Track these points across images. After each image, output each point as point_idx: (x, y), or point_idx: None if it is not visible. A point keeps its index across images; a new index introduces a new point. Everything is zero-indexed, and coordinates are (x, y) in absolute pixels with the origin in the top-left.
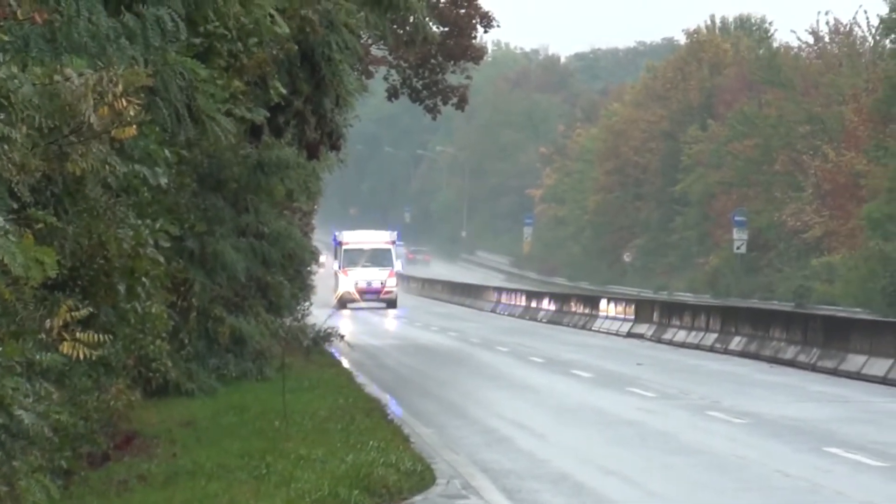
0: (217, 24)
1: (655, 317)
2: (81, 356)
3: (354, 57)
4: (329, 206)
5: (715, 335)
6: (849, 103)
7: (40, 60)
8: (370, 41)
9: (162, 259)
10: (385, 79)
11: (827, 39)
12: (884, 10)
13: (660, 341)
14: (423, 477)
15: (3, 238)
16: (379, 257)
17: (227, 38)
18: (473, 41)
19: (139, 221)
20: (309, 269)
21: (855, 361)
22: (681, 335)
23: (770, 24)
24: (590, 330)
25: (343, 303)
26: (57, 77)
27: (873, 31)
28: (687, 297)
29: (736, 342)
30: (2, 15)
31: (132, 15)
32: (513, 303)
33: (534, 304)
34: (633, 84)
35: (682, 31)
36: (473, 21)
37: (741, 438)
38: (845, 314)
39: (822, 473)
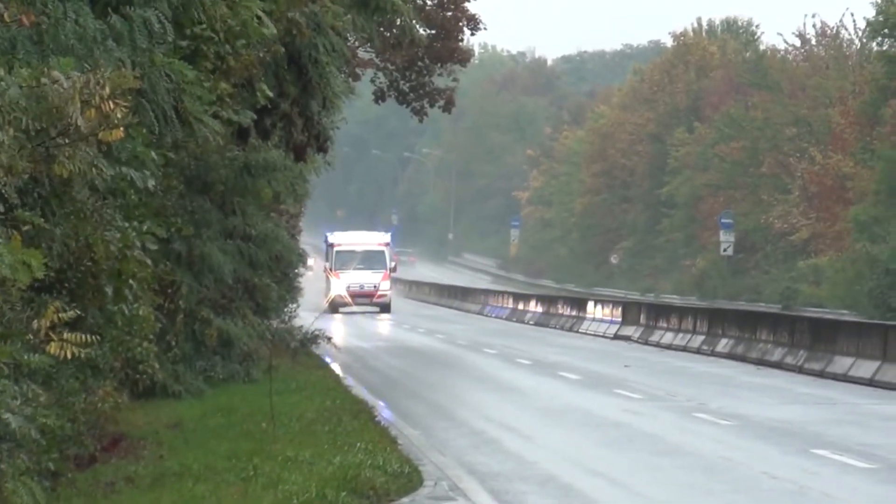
0: (204, 26)
1: (642, 319)
2: (69, 357)
3: (341, 59)
4: (316, 208)
5: (702, 337)
6: (835, 106)
7: (27, 62)
8: (357, 44)
9: (149, 261)
10: (372, 81)
11: (814, 42)
12: (870, 13)
13: (647, 343)
14: (411, 479)
15: None
16: (372, 259)
17: (214, 40)
18: (460, 44)
19: (126, 224)
20: (296, 271)
21: (842, 363)
22: (668, 337)
23: (757, 26)
24: (577, 332)
25: (334, 307)
26: (44, 79)
27: (860, 33)
28: (674, 300)
29: (723, 344)
30: None
31: (119, 17)
32: (500, 305)
33: (521, 307)
34: (619, 87)
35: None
36: (460, 24)
37: (728, 440)
38: (832, 316)
39: (809, 475)
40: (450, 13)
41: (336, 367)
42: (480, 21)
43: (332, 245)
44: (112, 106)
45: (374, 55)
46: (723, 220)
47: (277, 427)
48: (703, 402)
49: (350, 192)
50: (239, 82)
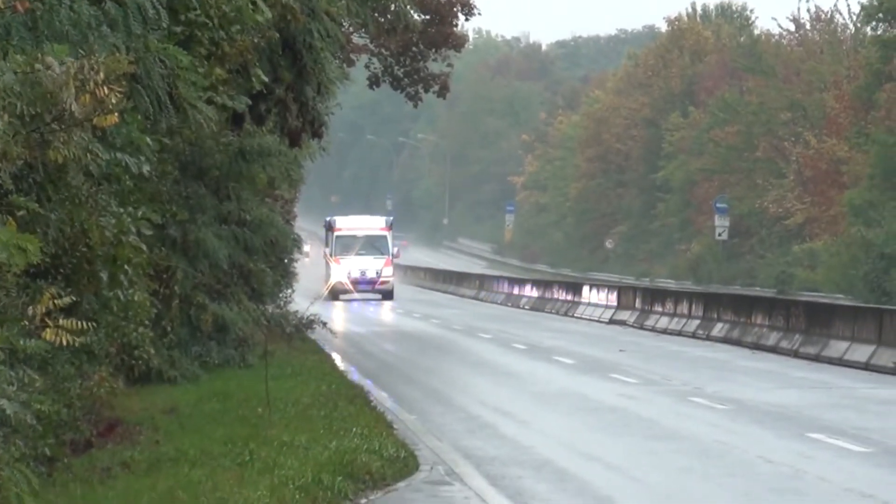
0: (198, 12)
1: (638, 303)
2: (64, 343)
3: (336, 45)
4: (311, 193)
5: (697, 321)
6: (830, 90)
7: (21, 49)
8: (352, 29)
9: (144, 247)
10: (366, 67)
11: (808, 27)
12: None
13: (642, 328)
14: (407, 463)
15: None
16: (374, 245)
17: (209, 26)
18: (455, 29)
19: (121, 209)
20: (291, 256)
21: (837, 347)
22: (663, 322)
23: (751, 11)
24: (572, 317)
25: (335, 294)
26: (38, 65)
27: (854, 18)
28: (669, 284)
29: (718, 328)
30: None
31: (113, 3)
32: (495, 290)
33: (516, 291)
34: (614, 71)
35: (664, 18)
36: (455, 9)
37: (724, 424)
38: (827, 300)
39: (804, 459)
40: None
41: (331, 352)
42: (475, 6)
43: (332, 230)
44: (107, 91)
45: (368, 40)
46: (718, 205)
47: (273, 412)
48: (699, 386)
49: (345, 177)
50: (233, 68)
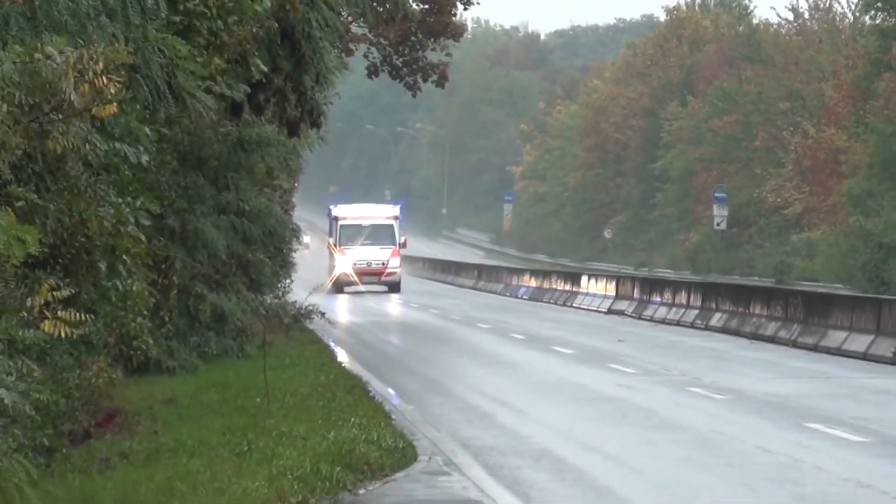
0: (197, 1)
1: (636, 293)
2: (63, 334)
3: (335, 34)
4: (309, 183)
5: (696, 311)
6: (829, 80)
7: (21, 39)
8: (350, 18)
9: (143, 237)
10: (365, 56)
11: (807, 16)
12: None
13: (641, 318)
14: (405, 454)
15: None
16: (380, 234)
17: (207, 15)
18: (453, 18)
19: (120, 199)
20: (290, 246)
21: (835, 337)
22: (661, 311)
23: (750, 0)
24: (571, 307)
25: (339, 286)
26: (37, 55)
27: (853, 7)
28: (667, 274)
29: (716, 318)
30: None
31: None
32: (494, 280)
33: (514, 281)
34: (613, 61)
35: (662, 7)
36: None
37: (722, 414)
38: (826, 290)
39: (802, 449)
40: None
41: (330, 342)
42: None
43: (336, 219)
44: (105, 81)
45: (367, 30)
46: (716, 195)
47: (271, 402)
48: (697, 376)
49: (343, 167)
50: (232, 57)
